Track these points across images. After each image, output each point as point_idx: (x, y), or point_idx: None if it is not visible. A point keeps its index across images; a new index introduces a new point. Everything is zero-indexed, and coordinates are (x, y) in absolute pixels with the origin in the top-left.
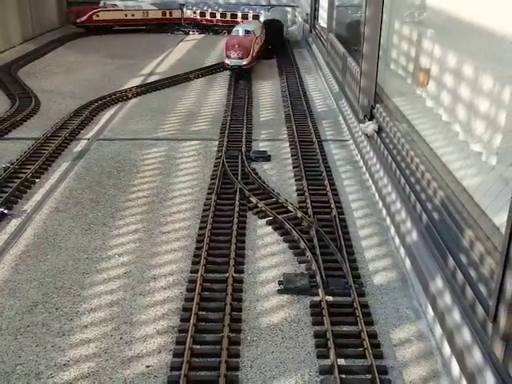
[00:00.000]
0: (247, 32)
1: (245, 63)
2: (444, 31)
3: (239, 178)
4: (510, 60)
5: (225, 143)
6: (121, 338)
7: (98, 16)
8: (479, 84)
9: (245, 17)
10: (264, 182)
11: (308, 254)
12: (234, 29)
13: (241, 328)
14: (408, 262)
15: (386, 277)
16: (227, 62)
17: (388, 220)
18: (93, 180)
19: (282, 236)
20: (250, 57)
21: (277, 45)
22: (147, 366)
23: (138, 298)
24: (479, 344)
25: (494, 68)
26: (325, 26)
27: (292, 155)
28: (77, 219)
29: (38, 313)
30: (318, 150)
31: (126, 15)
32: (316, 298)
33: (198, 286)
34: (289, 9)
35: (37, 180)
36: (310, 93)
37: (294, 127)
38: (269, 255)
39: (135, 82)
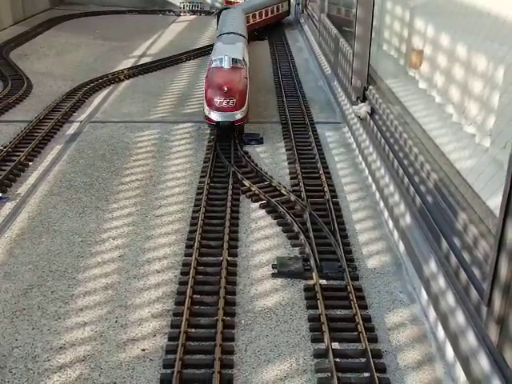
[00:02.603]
0: (235, 62)
1: (239, 117)
2: (436, 11)
3: (232, 161)
4: (504, 40)
5: None
6: (116, 322)
7: None
8: (472, 65)
9: None
10: (257, 165)
11: (301, 237)
12: (215, 55)
13: (235, 311)
14: (401, 246)
15: (379, 260)
16: (211, 116)
17: (381, 203)
18: (86, 163)
19: (275, 219)
20: (245, 106)
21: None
22: (143, 350)
23: (133, 282)
24: (473, 327)
25: (488, 48)
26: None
27: (285, 138)
28: (71, 202)
29: (34, 296)
30: (310, 133)
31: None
32: (310, 282)
33: (192, 270)
34: None
35: (30, 163)
36: (301, 74)
37: (286, 109)
38: (262, 238)
39: (127, 63)
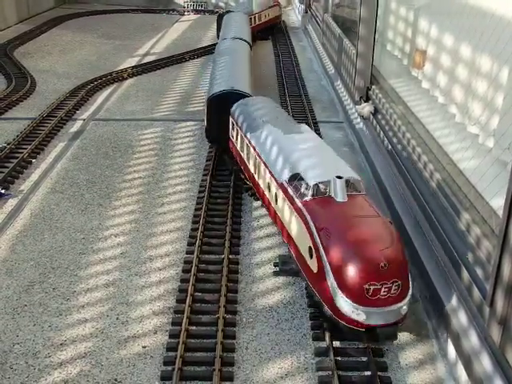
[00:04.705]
0: (351, 184)
1: (405, 311)
2: (440, 11)
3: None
4: (508, 40)
5: None
6: (117, 319)
7: None
8: (476, 65)
9: None
10: None
11: None
12: (307, 176)
13: (236, 309)
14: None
15: None
16: (359, 317)
17: (384, 203)
18: (89, 161)
19: None
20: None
21: None
22: (143, 347)
23: (134, 279)
24: (476, 328)
25: (491, 49)
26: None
27: None
28: (73, 199)
29: (35, 292)
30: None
31: None
32: None
33: (193, 267)
34: None
35: (33, 160)
36: (305, 74)
37: (289, 109)
38: (264, 237)
39: (131, 62)
